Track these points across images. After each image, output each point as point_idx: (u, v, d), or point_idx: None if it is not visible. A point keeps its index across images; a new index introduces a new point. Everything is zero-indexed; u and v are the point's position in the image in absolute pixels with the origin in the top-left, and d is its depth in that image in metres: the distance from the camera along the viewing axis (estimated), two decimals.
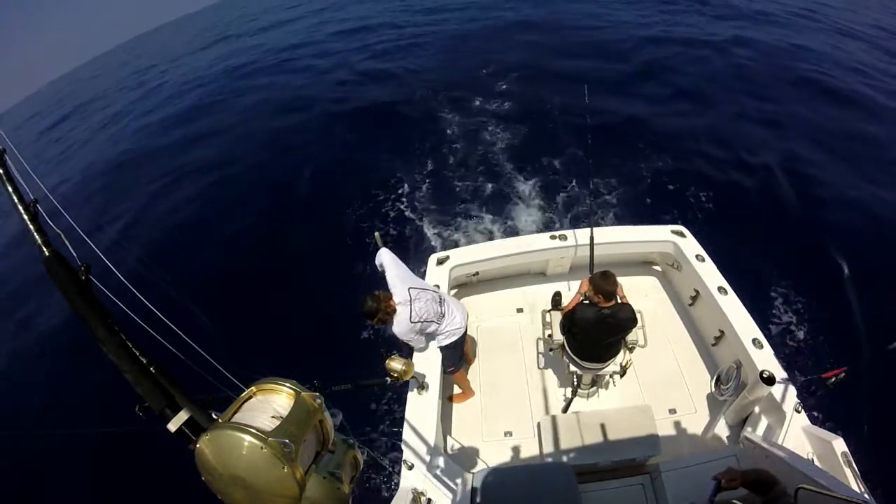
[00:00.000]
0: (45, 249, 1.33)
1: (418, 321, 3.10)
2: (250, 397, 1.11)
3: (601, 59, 13.81)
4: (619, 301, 3.11)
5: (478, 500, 2.75)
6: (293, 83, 16.29)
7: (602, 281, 2.95)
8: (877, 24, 15.79)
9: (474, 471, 3.09)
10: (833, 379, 2.65)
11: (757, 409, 3.19)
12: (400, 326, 3.08)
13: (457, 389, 3.97)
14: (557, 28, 17.05)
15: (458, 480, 2.92)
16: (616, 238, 4.25)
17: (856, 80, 11.41)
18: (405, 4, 26.43)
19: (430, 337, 3.44)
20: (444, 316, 3.28)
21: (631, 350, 3.52)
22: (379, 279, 3.48)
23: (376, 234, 3.48)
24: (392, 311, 3.05)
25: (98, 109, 24.68)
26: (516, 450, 3.56)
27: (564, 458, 3.08)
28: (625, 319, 3.05)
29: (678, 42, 14.60)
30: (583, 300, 3.17)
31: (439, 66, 15.15)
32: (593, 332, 3.11)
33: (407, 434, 3.00)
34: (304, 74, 17.33)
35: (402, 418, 3.13)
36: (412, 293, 3.11)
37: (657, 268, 4.77)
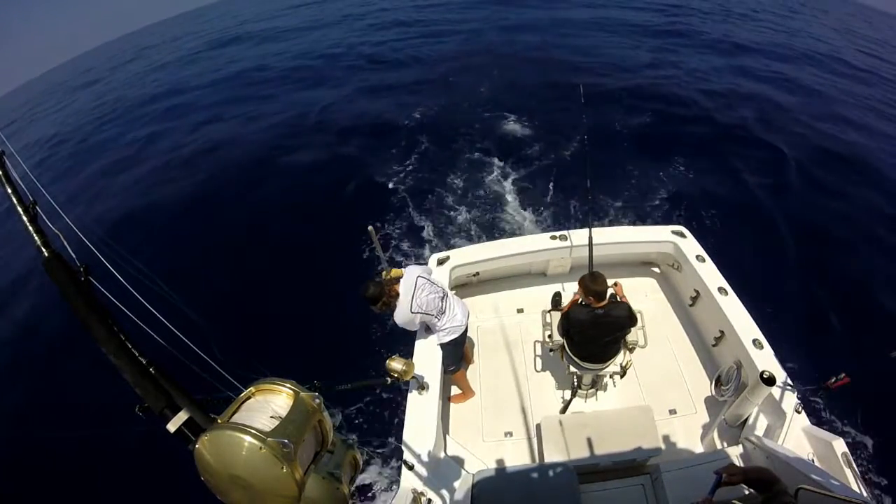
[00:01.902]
0: (44, 250, 1.33)
1: (419, 311, 3.13)
2: (249, 397, 1.10)
3: (600, 63, 13.89)
4: (618, 300, 3.12)
5: (477, 500, 2.75)
6: (293, 92, 16.32)
7: (591, 282, 2.98)
8: None
9: (474, 471, 3.09)
10: (833, 381, 2.65)
11: (757, 410, 3.19)
12: (399, 314, 3.11)
13: (457, 389, 3.97)
14: (554, 38, 17.17)
15: (458, 481, 2.92)
16: (616, 238, 4.25)
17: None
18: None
19: (430, 331, 3.45)
20: (443, 312, 3.29)
21: (631, 350, 3.52)
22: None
23: (370, 228, 3.49)
24: (395, 296, 3.09)
25: (97, 108, 24.71)
26: (516, 450, 3.56)
27: (565, 459, 3.08)
28: (620, 317, 3.05)
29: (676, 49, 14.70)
30: (579, 301, 3.18)
31: (437, 76, 15.22)
32: (590, 332, 3.12)
33: (407, 434, 3.00)
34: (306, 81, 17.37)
35: (402, 418, 3.13)
36: (419, 282, 3.16)
37: (657, 268, 4.77)
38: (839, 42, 17.46)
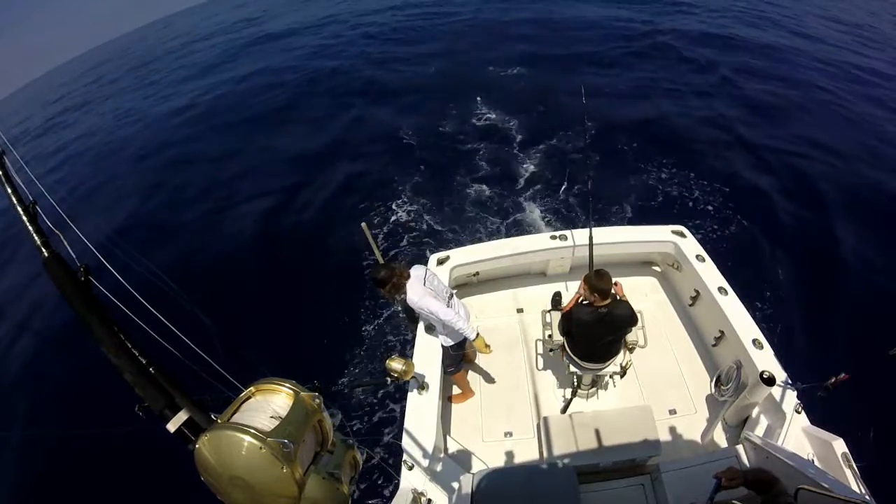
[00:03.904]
0: (44, 250, 1.33)
1: (430, 289, 3.18)
2: (249, 397, 1.10)
3: (599, 60, 13.88)
4: (618, 298, 3.12)
5: (478, 500, 2.75)
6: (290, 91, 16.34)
7: (597, 280, 2.97)
8: None
9: (474, 471, 3.09)
10: (833, 380, 2.65)
11: (757, 410, 3.19)
12: (414, 291, 3.11)
13: (457, 389, 3.97)
14: (554, 33, 17.13)
15: (458, 481, 2.92)
16: (616, 238, 4.25)
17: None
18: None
19: (432, 332, 3.45)
20: (450, 308, 3.30)
21: (631, 350, 3.52)
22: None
23: (363, 224, 3.48)
24: (406, 280, 3.13)
25: (96, 107, 24.72)
26: (516, 450, 3.56)
27: (565, 459, 3.08)
28: (622, 317, 3.05)
29: (676, 41, 14.69)
30: (581, 301, 3.17)
31: (436, 71, 15.21)
32: (592, 332, 3.12)
33: (407, 434, 3.00)
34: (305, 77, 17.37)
35: (402, 418, 3.13)
36: (428, 273, 3.27)
37: (657, 268, 4.77)
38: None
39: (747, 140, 9.31)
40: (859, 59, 13.38)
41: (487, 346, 3.33)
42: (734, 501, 1.86)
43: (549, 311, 3.79)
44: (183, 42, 37.06)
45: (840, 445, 2.64)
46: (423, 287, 3.14)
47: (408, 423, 3.06)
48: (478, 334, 3.31)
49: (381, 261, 3.70)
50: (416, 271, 3.24)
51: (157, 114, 18.19)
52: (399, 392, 4.74)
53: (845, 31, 16.45)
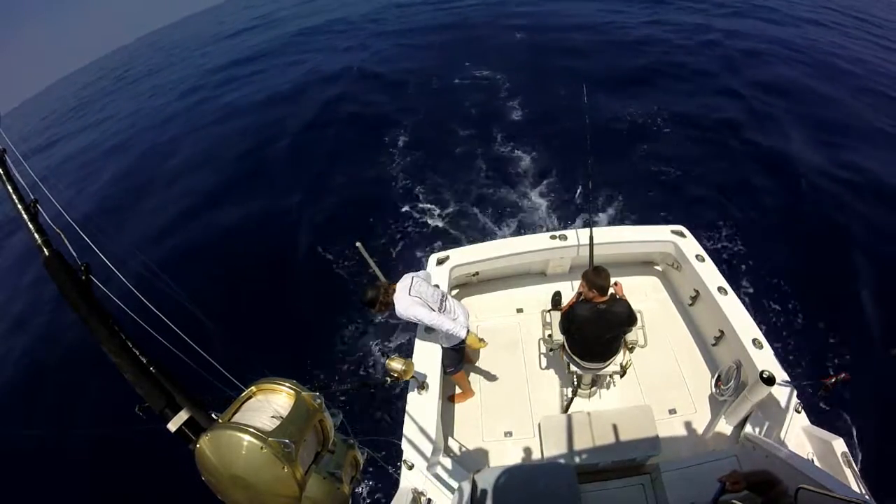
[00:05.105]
0: (45, 249, 1.33)
1: (417, 297, 3.18)
2: (250, 397, 1.11)
3: (599, 58, 13.87)
4: (616, 297, 3.13)
5: (478, 500, 2.75)
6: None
7: (594, 276, 2.99)
8: None
9: (474, 471, 3.09)
10: (833, 380, 2.65)
11: (757, 410, 3.19)
12: (400, 302, 3.15)
13: (457, 389, 3.97)
14: (554, 29, 17.12)
15: (459, 480, 2.92)
16: (616, 238, 4.25)
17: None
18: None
19: (431, 331, 3.45)
20: (446, 312, 3.31)
21: (631, 350, 3.53)
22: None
23: (358, 243, 3.47)
24: (392, 295, 3.17)
25: (98, 108, 24.73)
26: (517, 450, 3.56)
27: (565, 458, 3.08)
28: (620, 314, 3.06)
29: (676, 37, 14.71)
30: (580, 299, 3.18)
31: (433, 64, 15.19)
32: (590, 330, 3.12)
33: (407, 434, 3.00)
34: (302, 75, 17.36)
35: (403, 418, 3.13)
36: (414, 280, 3.28)
37: (657, 268, 4.77)
38: None
39: (747, 135, 9.29)
40: None
41: (481, 340, 3.33)
42: (734, 501, 1.87)
43: (549, 311, 3.80)
44: (191, 46, 37.07)
45: (840, 445, 2.64)
46: (409, 297, 3.15)
47: (408, 422, 3.07)
48: (468, 332, 3.28)
49: (379, 276, 3.71)
50: (402, 283, 3.27)
51: (158, 115, 18.19)
52: (399, 392, 4.73)
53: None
